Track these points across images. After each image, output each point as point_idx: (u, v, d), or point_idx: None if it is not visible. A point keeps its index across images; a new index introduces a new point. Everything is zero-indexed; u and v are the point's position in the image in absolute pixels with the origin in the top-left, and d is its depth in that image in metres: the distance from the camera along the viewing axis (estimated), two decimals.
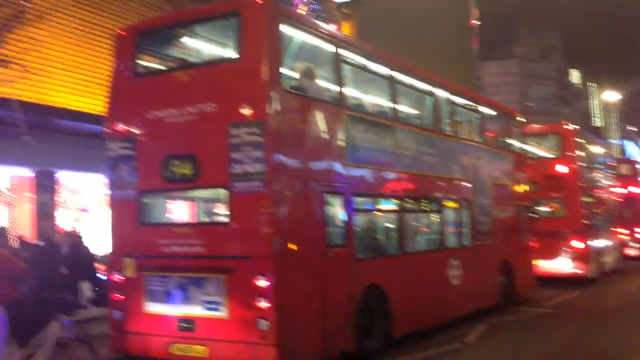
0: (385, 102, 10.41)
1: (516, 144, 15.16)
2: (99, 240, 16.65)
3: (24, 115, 14.83)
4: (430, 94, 11.34)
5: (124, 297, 7.82)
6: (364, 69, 9.74)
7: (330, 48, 8.67)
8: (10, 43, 11.48)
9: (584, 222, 17.64)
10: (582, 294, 15.40)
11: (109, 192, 8.26)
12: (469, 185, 12.01)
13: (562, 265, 17.06)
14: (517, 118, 15.64)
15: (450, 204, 11.47)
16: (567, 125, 19.67)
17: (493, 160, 13.37)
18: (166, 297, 7.50)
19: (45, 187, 17.23)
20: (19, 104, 14.52)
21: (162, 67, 8.71)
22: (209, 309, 7.19)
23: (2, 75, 11.84)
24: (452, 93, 12.03)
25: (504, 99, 65.22)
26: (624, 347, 9.20)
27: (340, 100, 8.66)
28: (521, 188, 14.58)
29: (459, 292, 11.07)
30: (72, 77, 17.99)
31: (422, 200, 10.82)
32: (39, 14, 12.00)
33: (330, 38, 8.74)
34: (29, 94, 15.50)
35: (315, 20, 9.97)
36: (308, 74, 8.43)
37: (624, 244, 22.51)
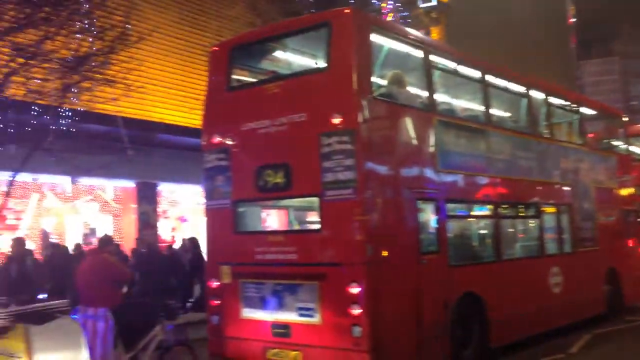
0: (477, 106, 10.19)
1: (621, 145, 14.36)
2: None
3: (127, 131, 15.75)
4: (525, 95, 10.98)
5: (221, 303, 8.07)
6: (454, 73, 9.58)
7: (420, 54, 8.60)
8: (114, 64, 12.21)
9: None
10: None
11: (205, 201, 8.57)
12: (570, 189, 11.49)
13: None
14: (621, 118, 14.82)
15: (549, 209, 11.02)
16: None
17: (595, 162, 12.73)
18: (261, 303, 7.67)
19: (147, 198, 18.21)
20: (123, 120, 15.43)
21: (254, 80, 8.96)
22: (302, 315, 7.29)
23: (107, 94, 12.61)
24: (548, 94, 11.59)
25: (604, 98, 61.98)
26: None
27: (431, 106, 8.56)
28: (627, 191, 13.77)
29: (560, 300, 10.59)
30: (171, 93, 18.95)
31: (519, 205, 10.46)
32: (140, 36, 12.70)
33: (419, 44, 8.68)
34: (131, 110, 16.45)
35: (404, 27, 9.91)
36: (398, 81, 8.41)
37: None
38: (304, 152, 7.50)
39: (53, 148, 12.03)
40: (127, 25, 12.45)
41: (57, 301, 6.62)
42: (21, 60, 11.17)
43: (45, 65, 11.34)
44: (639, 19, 79.89)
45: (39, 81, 11.46)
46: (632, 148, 15.89)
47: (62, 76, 11.56)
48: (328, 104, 7.35)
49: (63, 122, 11.83)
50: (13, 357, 5.63)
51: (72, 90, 11.81)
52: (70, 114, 11.94)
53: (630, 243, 13.38)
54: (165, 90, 18.81)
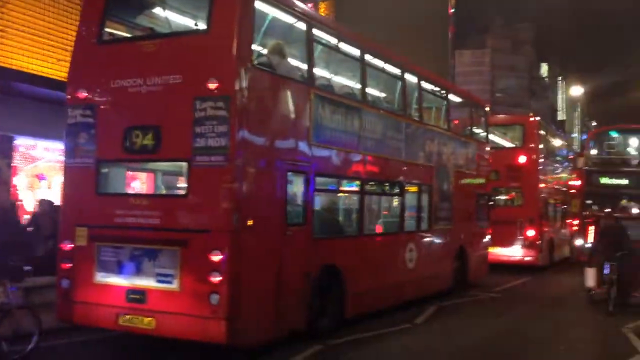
0: (354, 84, 10.42)
1: (481, 132, 15.35)
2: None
3: None
4: (401, 78, 11.37)
5: (73, 266, 7.70)
6: (335, 49, 9.71)
7: (303, 26, 8.61)
8: None
9: (539, 212, 18.07)
10: (530, 281, 15.95)
11: (64, 159, 8.08)
12: (432, 171, 12.15)
13: (515, 252, 17.54)
14: (484, 107, 15.82)
15: (412, 188, 11.60)
16: (531, 116, 20.03)
17: (457, 147, 13.53)
18: (117, 268, 7.41)
19: (1, 152, 16.83)
20: None
21: (129, 35, 8.53)
22: (160, 281, 7.14)
23: None
24: (422, 79, 12.08)
25: (475, 88, 65.57)
26: (560, 337, 9.55)
27: (309, 80, 8.63)
28: (483, 176, 14.81)
29: (415, 275, 11.25)
30: (35, 41, 17.50)
31: (385, 183, 10.91)
32: None
33: (303, 16, 8.66)
34: None
35: None
36: (278, 52, 8.37)
37: (574, 235, 22.99)
38: (176, 115, 7.30)
39: None
40: None
41: None
42: None
43: None
44: (509, 16, 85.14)
45: None
46: (492, 136, 17.10)
47: None
48: (205, 67, 7.19)
49: None
50: None
51: None
52: None
53: (480, 224, 14.45)
54: (30, 37, 17.38)
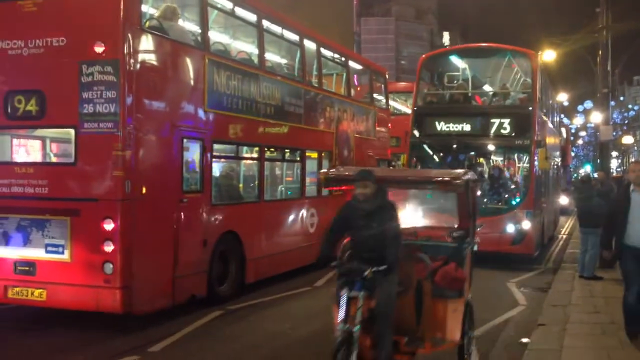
0: (251, 50, 10.35)
1: (382, 99, 15.70)
2: None
3: None
4: (299, 44, 11.41)
5: None
6: (230, 14, 9.59)
7: None
8: None
9: None
10: None
11: None
12: (333, 137, 12.35)
13: None
14: (384, 75, 16.15)
15: (313, 154, 11.77)
16: None
17: (358, 114, 13.79)
18: (4, 239, 7.19)
19: None
20: None
21: None
22: (50, 252, 6.98)
23: None
24: (321, 46, 12.17)
25: (381, 55, 66.63)
26: None
27: (203, 45, 8.51)
28: (383, 142, 15.20)
29: (315, 239, 11.47)
30: None
31: (285, 149, 11.00)
32: None
33: None
34: None
35: None
36: (170, 15, 8.20)
37: None
38: (60, 79, 7.08)
39: None
40: None
41: None
42: None
43: None
44: None
45: None
46: (392, 103, 17.53)
47: None
48: (91, 30, 6.99)
49: None
50: None
51: None
52: None
53: None
54: None
